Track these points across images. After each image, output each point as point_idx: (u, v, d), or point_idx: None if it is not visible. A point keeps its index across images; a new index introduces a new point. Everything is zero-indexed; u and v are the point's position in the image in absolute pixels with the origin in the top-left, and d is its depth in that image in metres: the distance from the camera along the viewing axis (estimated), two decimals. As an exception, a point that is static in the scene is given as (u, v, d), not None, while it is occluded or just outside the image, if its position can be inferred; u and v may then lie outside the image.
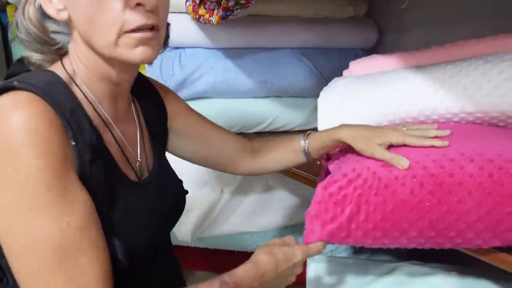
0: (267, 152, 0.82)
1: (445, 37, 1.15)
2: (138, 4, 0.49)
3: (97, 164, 0.52)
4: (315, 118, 1.18)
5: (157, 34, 0.53)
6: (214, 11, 0.90)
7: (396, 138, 0.66)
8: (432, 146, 0.64)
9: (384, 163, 0.64)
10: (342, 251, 1.26)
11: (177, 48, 1.13)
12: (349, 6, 1.22)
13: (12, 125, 0.44)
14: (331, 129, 0.73)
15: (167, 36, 0.64)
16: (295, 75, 1.17)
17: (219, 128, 0.82)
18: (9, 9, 2.60)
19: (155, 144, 0.70)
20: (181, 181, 0.75)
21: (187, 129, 0.77)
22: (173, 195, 0.70)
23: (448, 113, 0.73)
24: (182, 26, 1.10)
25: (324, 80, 1.21)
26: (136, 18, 0.50)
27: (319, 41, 1.20)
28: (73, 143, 0.49)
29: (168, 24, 0.63)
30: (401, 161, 0.62)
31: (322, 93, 0.90)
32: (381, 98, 0.78)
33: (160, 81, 1.10)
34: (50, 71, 0.55)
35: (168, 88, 0.79)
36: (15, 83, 0.48)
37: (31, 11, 0.54)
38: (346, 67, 1.14)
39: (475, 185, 0.58)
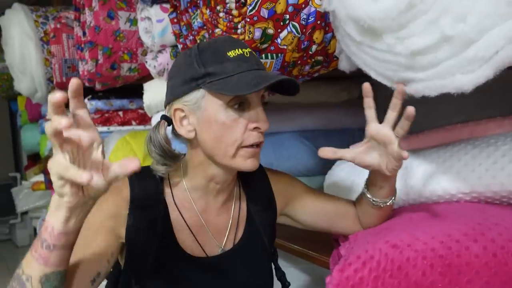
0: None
1: (431, 115, 1.25)
2: (255, 128, 0.68)
3: (144, 233, 0.70)
4: (320, 196, 1.24)
5: (261, 148, 0.71)
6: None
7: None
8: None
9: (394, 244, 0.69)
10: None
11: (187, 137, 1.22)
12: (343, 91, 1.34)
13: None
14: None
15: None
16: (298, 156, 1.26)
17: (334, 201, 0.86)
18: (20, 99, 2.76)
19: (253, 233, 0.79)
20: (265, 274, 0.81)
21: (301, 211, 0.85)
22: (242, 280, 0.77)
23: (447, 194, 0.79)
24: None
25: (325, 159, 1.29)
26: (252, 138, 0.68)
27: (318, 124, 1.31)
28: (127, 212, 0.70)
29: None
30: None
31: (327, 177, 0.97)
32: (383, 181, 0.84)
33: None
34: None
35: (281, 176, 0.88)
36: None
37: (162, 131, 0.72)
38: (345, 146, 1.22)
39: (481, 265, 0.63)
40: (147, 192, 0.72)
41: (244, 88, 0.64)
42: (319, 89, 1.32)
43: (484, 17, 0.46)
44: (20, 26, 2.06)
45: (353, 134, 1.35)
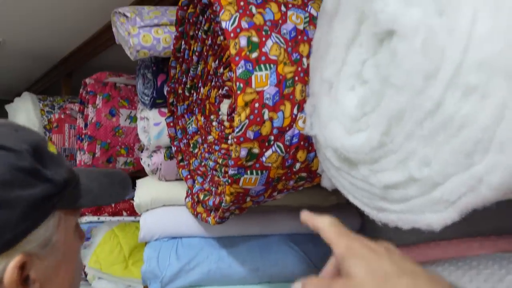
0: None
1: (415, 229, 1.26)
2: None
3: None
4: (307, 305, 1.20)
5: None
6: (212, 213, 1.01)
7: None
8: None
9: None
10: None
11: (174, 238, 1.22)
12: (332, 195, 1.36)
13: None
14: None
15: None
16: (285, 261, 1.23)
17: None
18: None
19: None
20: None
21: None
22: None
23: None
24: (181, 217, 1.21)
25: (313, 264, 1.27)
26: None
27: (306, 228, 1.30)
28: None
29: None
30: None
31: None
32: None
33: (157, 272, 1.15)
34: None
35: None
36: None
37: None
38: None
39: None
40: None
41: (117, 191, 0.51)
42: (308, 193, 1.35)
43: (446, 164, 0.50)
44: (26, 114, 2.16)
45: (342, 239, 1.35)
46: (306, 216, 0.41)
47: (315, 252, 1.27)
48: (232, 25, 0.72)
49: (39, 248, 0.44)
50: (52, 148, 0.47)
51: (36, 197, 0.42)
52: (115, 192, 0.52)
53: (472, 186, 0.48)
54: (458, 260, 0.84)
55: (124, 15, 1.03)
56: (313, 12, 0.76)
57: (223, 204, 0.88)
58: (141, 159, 1.42)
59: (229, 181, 0.82)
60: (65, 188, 0.45)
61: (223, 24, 0.73)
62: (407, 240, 0.98)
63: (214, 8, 0.78)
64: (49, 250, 0.45)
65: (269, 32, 0.74)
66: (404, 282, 0.32)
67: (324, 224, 0.39)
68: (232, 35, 0.73)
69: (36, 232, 0.43)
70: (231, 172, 0.80)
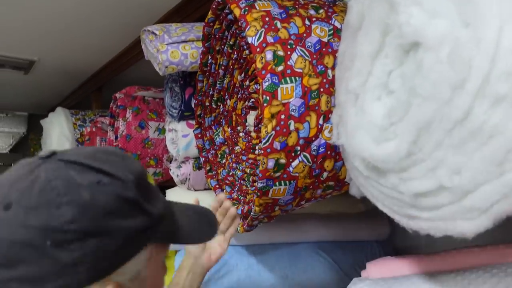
0: None
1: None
2: None
3: None
4: (337, 313, 1.20)
5: None
6: (240, 221, 1.03)
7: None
8: None
9: None
10: None
11: (204, 246, 1.24)
12: (360, 203, 1.36)
13: None
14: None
15: None
16: (314, 269, 1.24)
17: None
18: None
19: None
20: None
21: None
22: None
23: (467, 328, 0.76)
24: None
25: (342, 272, 1.26)
26: None
27: (335, 236, 1.31)
28: None
29: None
30: None
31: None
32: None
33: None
34: None
35: None
36: None
37: None
38: (362, 259, 1.21)
39: None
40: None
41: (205, 229, 0.53)
42: (336, 200, 1.35)
43: (476, 172, 0.50)
44: (59, 128, 2.24)
45: (371, 247, 1.34)
46: None
47: (344, 260, 1.27)
48: (258, 40, 0.74)
49: (129, 281, 0.44)
50: (150, 180, 0.47)
51: (135, 229, 0.43)
52: (203, 231, 0.53)
53: (505, 194, 0.48)
54: (492, 267, 0.82)
55: (153, 33, 1.07)
56: (337, 24, 0.78)
57: (252, 213, 0.90)
58: (170, 169, 1.45)
59: (258, 194, 0.83)
60: (160, 222, 0.46)
61: (249, 40, 0.76)
62: (439, 248, 0.97)
63: (239, 24, 0.80)
64: (136, 284, 0.44)
65: (294, 46, 0.76)
66: None
67: None
68: (258, 49, 0.75)
69: (128, 264, 0.43)
70: (260, 185, 0.81)
